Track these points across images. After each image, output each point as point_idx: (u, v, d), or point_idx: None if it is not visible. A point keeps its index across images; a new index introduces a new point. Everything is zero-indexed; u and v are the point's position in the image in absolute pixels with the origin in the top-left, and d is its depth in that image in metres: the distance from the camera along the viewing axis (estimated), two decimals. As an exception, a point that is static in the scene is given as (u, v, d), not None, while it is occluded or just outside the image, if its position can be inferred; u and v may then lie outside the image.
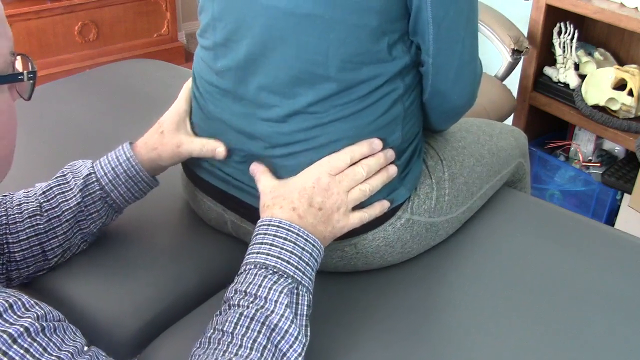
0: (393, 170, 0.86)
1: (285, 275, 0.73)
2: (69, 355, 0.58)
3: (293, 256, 0.75)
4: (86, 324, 0.89)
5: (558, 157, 2.05)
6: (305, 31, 0.79)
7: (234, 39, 0.84)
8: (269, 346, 0.69)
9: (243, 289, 0.72)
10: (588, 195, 1.94)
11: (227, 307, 0.72)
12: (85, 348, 0.61)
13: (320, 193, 0.80)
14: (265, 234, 0.77)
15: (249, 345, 0.68)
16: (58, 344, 0.58)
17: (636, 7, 1.67)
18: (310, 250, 0.77)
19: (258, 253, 0.75)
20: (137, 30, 2.93)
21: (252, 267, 0.74)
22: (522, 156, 1.18)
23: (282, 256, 0.74)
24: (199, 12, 0.90)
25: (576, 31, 1.87)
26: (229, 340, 0.68)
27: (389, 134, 0.86)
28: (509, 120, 2.08)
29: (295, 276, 0.74)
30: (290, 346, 0.70)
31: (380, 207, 0.86)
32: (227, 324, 0.70)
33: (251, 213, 0.91)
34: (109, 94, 1.44)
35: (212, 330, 0.71)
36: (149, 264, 0.96)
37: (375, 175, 0.85)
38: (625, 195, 1.82)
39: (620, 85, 1.75)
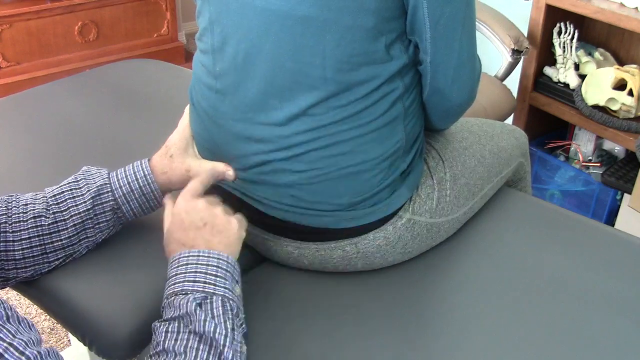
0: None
1: (195, 292, 0.76)
2: (23, 343, 0.57)
3: (198, 274, 0.78)
4: (86, 324, 0.89)
5: (558, 157, 2.05)
6: (301, 33, 0.79)
7: (231, 42, 0.84)
8: (202, 346, 0.71)
9: (162, 317, 0.76)
10: (588, 195, 1.94)
11: (154, 338, 0.75)
12: (43, 346, 0.60)
13: (194, 213, 0.84)
14: (171, 269, 0.80)
15: (182, 350, 0.70)
16: (12, 331, 0.57)
17: (636, 7, 1.67)
18: (215, 264, 0.79)
19: (169, 286, 0.79)
20: (137, 30, 2.93)
21: (166, 300, 0.78)
22: (523, 156, 1.18)
23: (187, 279, 0.77)
24: (197, 15, 0.90)
25: (576, 31, 1.87)
26: (165, 356, 0.70)
27: (392, 134, 0.86)
28: (509, 120, 2.08)
29: (206, 289, 0.76)
30: (224, 345, 0.72)
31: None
32: (157, 346, 0.72)
33: (252, 215, 0.91)
34: (109, 94, 1.44)
35: (154, 356, 0.73)
36: (149, 264, 0.96)
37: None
38: (625, 195, 1.82)
39: (620, 85, 1.75)
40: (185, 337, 0.72)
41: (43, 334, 1.63)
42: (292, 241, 0.93)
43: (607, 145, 2.00)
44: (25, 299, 1.71)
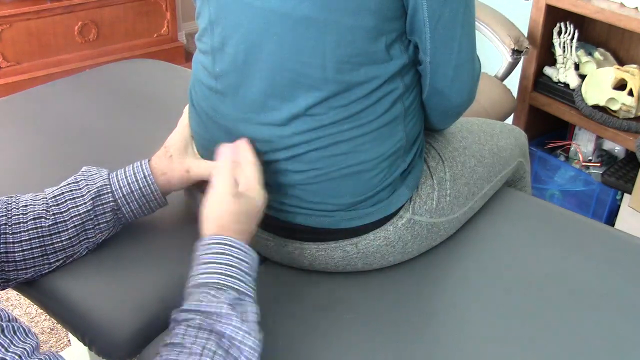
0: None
1: (227, 288, 0.73)
2: (16, 357, 0.56)
3: (233, 268, 0.75)
4: (86, 324, 0.89)
5: (558, 157, 2.05)
6: (301, 34, 0.79)
7: (230, 42, 0.84)
8: (219, 352, 0.68)
9: (186, 308, 0.72)
10: (588, 195, 1.94)
11: (174, 325, 0.72)
12: (37, 352, 0.59)
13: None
14: (206, 252, 0.77)
15: (199, 351, 0.68)
16: (5, 345, 0.57)
17: (636, 7, 1.67)
18: (249, 261, 0.77)
19: (200, 272, 0.75)
20: (137, 30, 2.93)
21: (195, 288, 0.74)
22: (523, 156, 1.18)
23: (222, 271, 0.75)
24: (197, 16, 0.90)
25: (576, 31, 1.87)
26: (179, 349, 0.68)
27: (392, 134, 0.86)
28: (509, 120, 2.08)
29: (236, 287, 0.74)
30: (241, 353, 0.69)
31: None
32: (176, 337, 0.70)
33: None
34: (109, 94, 1.44)
35: (162, 347, 0.70)
36: (149, 264, 0.96)
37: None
38: (625, 195, 1.82)
39: (620, 85, 1.75)
40: (205, 336, 0.69)
41: (43, 334, 1.63)
42: (292, 241, 0.93)
43: (607, 145, 2.00)
44: (25, 299, 1.71)
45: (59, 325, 1.64)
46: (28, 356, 0.57)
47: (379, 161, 0.85)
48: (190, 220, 1.05)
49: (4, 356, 0.56)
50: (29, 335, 0.61)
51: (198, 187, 0.98)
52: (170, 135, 0.97)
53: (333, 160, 0.84)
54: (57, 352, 0.62)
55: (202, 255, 0.76)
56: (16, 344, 0.58)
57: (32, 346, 0.59)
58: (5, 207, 0.87)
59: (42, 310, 1.68)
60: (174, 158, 0.93)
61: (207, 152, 0.94)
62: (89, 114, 1.35)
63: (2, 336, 0.57)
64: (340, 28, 0.78)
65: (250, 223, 0.82)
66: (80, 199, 0.89)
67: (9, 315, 0.61)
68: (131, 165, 0.93)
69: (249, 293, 0.75)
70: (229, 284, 0.74)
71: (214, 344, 0.68)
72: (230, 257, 0.76)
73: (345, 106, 0.82)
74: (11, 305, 1.71)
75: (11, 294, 1.74)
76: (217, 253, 0.76)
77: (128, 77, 1.52)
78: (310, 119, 0.82)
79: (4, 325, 0.59)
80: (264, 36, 0.80)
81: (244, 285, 0.75)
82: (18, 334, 0.59)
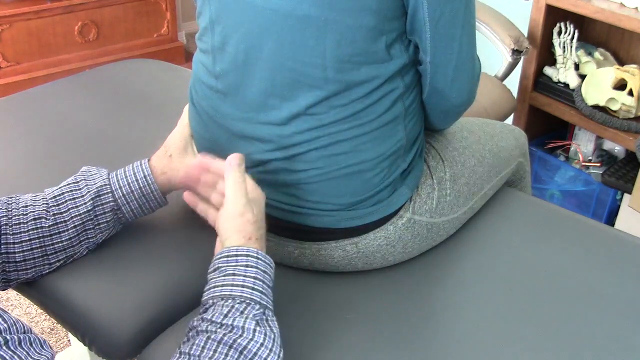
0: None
1: (253, 303, 0.72)
2: None
3: (257, 282, 0.74)
4: (86, 324, 0.89)
5: (558, 157, 2.05)
6: (302, 33, 0.79)
7: (231, 42, 0.84)
8: None
9: (209, 318, 0.71)
10: (588, 195, 1.94)
11: (194, 334, 0.71)
12: None
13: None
14: (229, 263, 0.75)
15: None
16: (23, 357, 0.57)
17: (636, 7, 1.67)
18: (270, 272, 0.77)
19: (224, 285, 0.74)
20: (137, 30, 2.93)
21: (219, 299, 0.73)
22: (523, 156, 1.18)
23: (246, 284, 0.73)
24: (197, 15, 0.90)
25: (576, 31, 1.87)
26: None
27: (392, 134, 0.86)
28: (509, 120, 2.08)
29: (262, 301, 0.73)
30: None
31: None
32: (194, 347, 0.68)
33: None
34: (109, 94, 1.44)
35: (177, 355, 0.69)
36: (149, 264, 0.96)
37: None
38: (625, 195, 1.82)
39: (620, 85, 1.75)
40: (225, 351, 0.67)
41: (43, 334, 1.63)
42: (292, 241, 0.93)
43: (607, 145, 2.00)
44: (25, 299, 1.71)
45: (59, 325, 1.64)
46: None
47: (380, 161, 0.85)
48: (190, 220, 1.05)
49: None
50: (44, 347, 0.61)
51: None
52: (170, 135, 0.97)
53: (333, 160, 0.84)
54: (57, 352, 0.62)
55: (228, 267, 0.75)
56: (32, 356, 0.58)
57: (48, 358, 0.59)
58: (6, 208, 0.87)
59: (42, 311, 1.68)
60: (173, 157, 0.93)
61: (207, 151, 0.94)
62: (89, 114, 1.35)
63: (19, 348, 0.57)
64: (341, 27, 0.78)
65: (264, 224, 0.82)
66: (80, 199, 0.89)
67: (24, 327, 0.61)
68: (131, 165, 0.93)
69: (270, 306, 0.75)
70: (256, 298, 0.73)
71: (232, 359, 0.67)
72: (257, 270, 0.75)
73: (346, 105, 0.82)
74: (11, 305, 1.71)
75: (11, 294, 1.74)
76: (245, 266, 0.75)
77: (128, 77, 1.52)
78: (310, 118, 0.82)
79: (21, 338, 0.59)
80: (264, 35, 0.80)
81: (266, 298, 0.74)
82: (34, 345, 0.59)
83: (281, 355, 0.71)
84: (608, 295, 0.91)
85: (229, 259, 0.76)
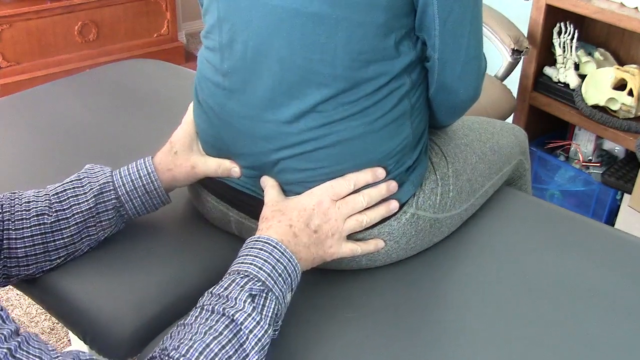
0: (394, 205, 0.88)
1: (255, 279, 0.74)
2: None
3: (266, 264, 0.76)
4: (87, 322, 0.89)
5: (558, 157, 2.05)
6: (311, 30, 0.79)
7: (239, 39, 0.84)
8: (226, 333, 0.69)
9: (211, 291, 0.74)
10: (588, 195, 1.94)
11: (193, 309, 0.74)
12: (15, 336, 0.60)
13: (319, 216, 0.83)
14: (251, 246, 0.79)
15: (204, 330, 0.69)
16: (38, 354, 0.58)
17: (636, 7, 1.67)
18: (285, 263, 0.78)
19: (237, 261, 0.77)
20: (137, 30, 2.93)
21: (227, 275, 0.76)
22: (523, 154, 1.18)
23: (255, 263, 0.76)
24: (203, 13, 0.90)
25: (576, 31, 1.87)
26: (188, 329, 0.70)
27: (399, 131, 0.86)
28: (509, 120, 2.08)
29: (267, 282, 0.74)
30: (247, 339, 0.70)
31: (374, 245, 0.89)
32: (189, 317, 0.72)
33: (256, 211, 0.90)
34: (109, 94, 1.44)
35: (175, 327, 0.72)
36: (149, 263, 0.96)
37: (374, 208, 0.87)
38: (625, 195, 1.82)
39: (620, 85, 1.75)
40: (216, 318, 0.70)
41: (43, 334, 1.63)
42: None
43: (607, 145, 2.00)
44: (26, 299, 1.71)
45: (59, 325, 1.64)
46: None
47: (387, 158, 0.86)
48: (192, 220, 1.05)
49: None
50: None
51: (202, 185, 0.98)
52: (175, 132, 0.97)
53: (340, 158, 0.84)
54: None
55: (245, 249, 0.79)
56: (45, 353, 0.59)
57: (11, 330, 0.60)
58: (9, 204, 0.87)
59: (42, 310, 1.68)
60: (179, 154, 0.94)
61: (213, 149, 0.94)
62: (89, 114, 1.35)
63: (31, 346, 0.58)
64: (351, 25, 0.78)
65: (300, 242, 0.82)
66: (83, 196, 0.89)
67: (16, 327, 0.61)
68: (135, 162, 0.93)
69: (277, 294, 0.75)
70: (259, 275, 0.74)
71: (223, 326, 0.69)
72: (269, 255, 0.77)
73: (354, 102, 0.82)
74: (11, 305, 1.71)
75: (11, 294, 1.74)
76: (258, 249, 0.78)
77: (128, 77, 1.52)
78: (318, 115, 0.82)
79: (25, 336, 0.59)
80: (273, 33, 0.80)
81: (272, 282, 0.75)
82: (40, 343, 0.60)
83: (270, 333, 0.72)
84: (608, 295, 0.91)
85: (255, 239, 0.79)
